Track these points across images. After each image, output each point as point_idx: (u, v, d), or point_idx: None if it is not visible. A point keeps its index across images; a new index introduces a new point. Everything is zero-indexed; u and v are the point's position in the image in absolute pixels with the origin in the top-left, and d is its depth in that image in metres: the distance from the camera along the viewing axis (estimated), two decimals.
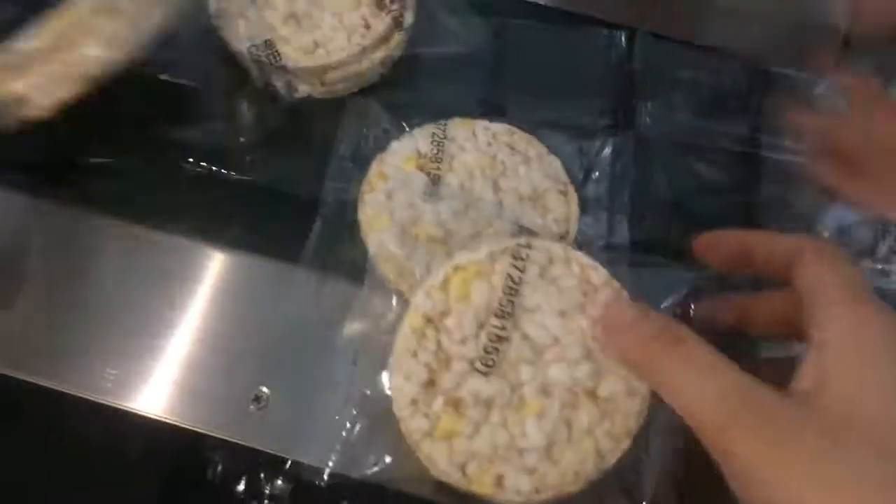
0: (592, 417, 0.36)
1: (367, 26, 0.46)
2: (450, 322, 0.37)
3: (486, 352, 0.36)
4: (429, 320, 0.37)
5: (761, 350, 0.38)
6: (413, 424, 0.36)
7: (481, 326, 0.36)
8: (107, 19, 0.39)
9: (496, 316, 0.36)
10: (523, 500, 0.35)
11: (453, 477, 0.36)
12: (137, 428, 0.39)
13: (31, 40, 0.38)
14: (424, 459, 0.36)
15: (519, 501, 0.35)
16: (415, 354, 0.36)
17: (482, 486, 0.35)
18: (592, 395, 0.36)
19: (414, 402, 0.36)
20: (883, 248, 0.47)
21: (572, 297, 0.37)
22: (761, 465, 0.27)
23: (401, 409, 0.36)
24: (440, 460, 0.35)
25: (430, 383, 0.36)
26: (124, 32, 0.39)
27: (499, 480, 0.35)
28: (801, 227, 0.47)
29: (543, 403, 0.36)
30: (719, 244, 0.36)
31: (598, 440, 0.36)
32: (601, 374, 0.36)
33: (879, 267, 0.47)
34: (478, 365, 0.36)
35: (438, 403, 0.36)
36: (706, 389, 0.29)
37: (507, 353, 0.36)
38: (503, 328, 0.36)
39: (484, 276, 0.37)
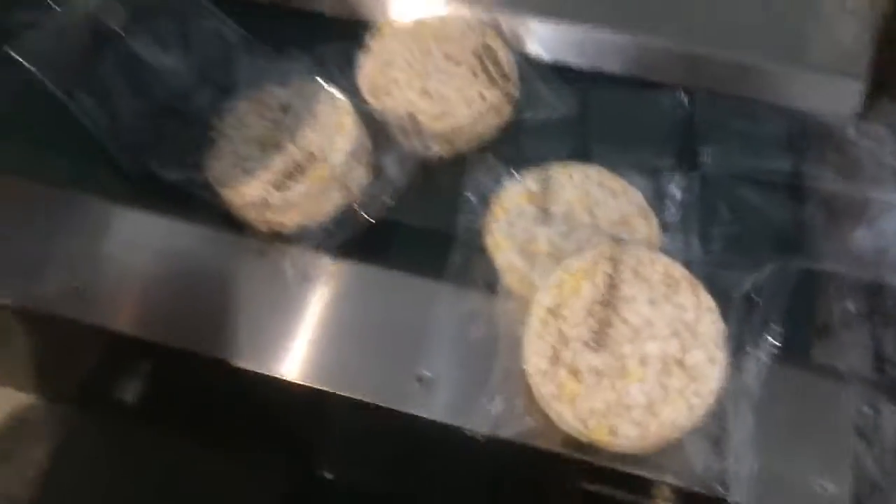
0: (682, 381, 0.47)
1: (484, 98, 0.60)
2: (566, 312, 0.49)
3: (595, 333, 0.48)
4: (550, 311, 0.49)
5: None
6: (544, 390, 0.47)
7: (590, 314, 0.48)
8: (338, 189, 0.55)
9: (601, 305, 0.48)
10: (632, 444, 0.46)
11: (578, 429, 0.47)
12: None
13: (295, 189, 0.54)
14: (555, 417, 0.48)
15: (629, 445, 0.47)
16: (542, 337, 0.48)
17: (601, 435, 0.46)
18: (681, 363, 0.47)
19: (544, 373, 0.48)
20: None
21: (658, 288, 0.49)
22: None
23: (534, 379, 0.48)
24: (567, 416, 0.47)
25: (555, 358, 0.48)
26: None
27: (612, 430, 0.46)
28: (840, 245, 0.58)
29: (643, 372, 0.47)
30: None
31: (688, 398, 0.47)
32: (687, 348, 0.47)
33: None
34: (590, 343, 0.48)
35: (563, 373, 0.47)
36: None
37: (611, 334, 0.48)
38: (607, 315, 0.48)
39: (589, 275, 0.49)
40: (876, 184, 0.60)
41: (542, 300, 0.49)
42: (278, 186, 0.54)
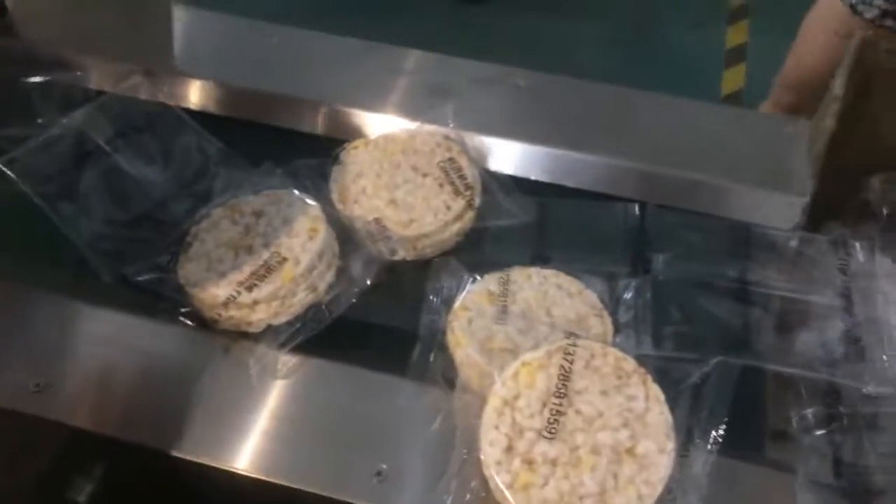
0: (633, 470, 0.48)
1: (448, 207, 0.64)
2: (521, 403, 0.50)
3: (549, 423, 0.49)
4: (505, 402, 0.50)
5: None
6: (499, 479, 0.48)
7: (544, 405, 0.50)
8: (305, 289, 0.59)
9: (555, 396, 0.50)
10: None
11: None
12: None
13: (264, 289, 0.57)
14: None
15: None
16: (497, 427, 0.50)
17: None
18: (632, 452, 0.48)
19: (499, 462, 0.49)
20: (853, 357, 0.59)
21: (610, 380, 0.50)
22: None
23: (489, 468, 0.49)
24: None
25: (510, 448, 0.49)
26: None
27: None
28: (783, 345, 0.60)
29: (595, 460, 0.48)
30: None
31: (638, 487, 0.47)
32: (637, 437, 0.49)
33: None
34: (544, 433, 0.49)
35: (517, 462, 0.48)
36: None
37: (565, 424, 0.49)
38: (560, 405, 0.50)
39: (543, 368, 0.51)
40: (818, 290, 0.63)
41: (498, 391, 0.51)
42: (248, 287, 0.57)
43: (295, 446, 0.53)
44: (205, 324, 0.59)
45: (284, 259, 0.58)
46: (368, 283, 0.61)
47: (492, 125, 0.71)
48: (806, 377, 0.61)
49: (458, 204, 0.64)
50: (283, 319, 0.59)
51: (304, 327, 0.58)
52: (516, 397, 0.50)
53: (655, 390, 0.50)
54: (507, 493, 0.48)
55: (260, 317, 0.58)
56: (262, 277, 0.57)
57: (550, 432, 0.49)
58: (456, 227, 0.64)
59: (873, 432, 0.60)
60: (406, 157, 0.67)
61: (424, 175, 0.66)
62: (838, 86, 0.69)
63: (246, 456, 0.53)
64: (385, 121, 0.73)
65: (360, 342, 0.59)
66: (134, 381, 0.56)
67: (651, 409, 0.50)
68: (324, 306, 0.59)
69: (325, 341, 0.58)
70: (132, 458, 0.56)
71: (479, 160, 0.69)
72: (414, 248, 0.64)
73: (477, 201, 0.65)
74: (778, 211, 0.68)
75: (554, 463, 0.48)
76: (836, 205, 0.69)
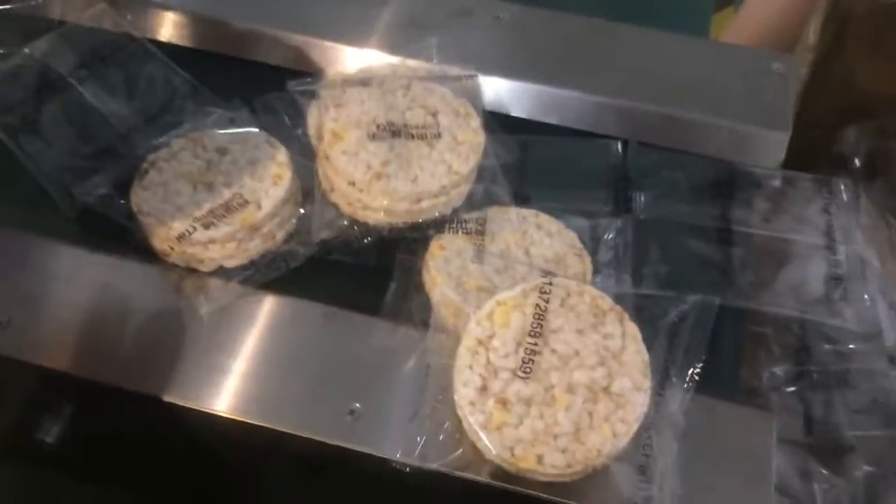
0: (608, 408, 0.47)
1: None
2: (495, 342, 0.49)
3: (524, 362, 0.48)
4: (479, 342, 0.49)
5: None
6: (472, 420, 0.47)
7: (519, 344, 0.49)
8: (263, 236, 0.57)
9: (529, 335, 0.49)
10: (559, 472, 0.46)
11: (506, 458, 0.47)
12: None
13: (221, 228, 0.55)
14: (483, 447, 0.48)
15: (556, 474, 0.46)
16: (471, 367, 0.49)
17: (528, 463, 0.46)
18: (607, 391, 0.48)
19: (472, 402, 0.48)
20: (836, 297, 0.59)
21: (586, 319, 0.49)
22: None
23: (462, 409, 0.48)
24: (494, 446, 0.47)
25: (484, 388, 0.48)
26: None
27: (539, 459, 0.46)
28: (764, 284, 0.60)
29: (570, 399, 0.47)
30: None
31: (613, 425, 0.47)
32: (613, 376, 0.48)
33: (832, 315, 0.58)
34: (518, 373, 0.48)
35: (491, 402, 0.48)
36: None
37: (539, 363, 0.48)
38: (535, 344, 0.49)
39: (518, 307, 0.50)
40: (801, 229, 0.62)
41: (472, 331, 0.50)
42: (205, 224, 0.55)
43: (265, 385, 0.52)
44: (158, 257, 0.57)
45: (246, 202, 0.56)
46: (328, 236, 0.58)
47: (472, 60, 0.68)
48: (785, 317, 0.60)
49: None
50: (236, 263, 0.57)
51: (257, 273, 0.56)
52: (490, 337, 0.49)
53: (632, 329, 0.49)
54: (480, 433, 0.47)
55: (212, 256, 0.56)
56: (221, 217, 0.55)
57: (525, 372, 0.48)
58: None
59: (844, 389, 0.60)
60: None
61: None
62: (812, 33, 0.67)
63: (212, 395, 0.52)
64: (364, 55, 0.70)
65: (332, 281, 0.58)
66: (88, 317, 0.54)
67: (627, 347, 0.49)
68: (282, 255, 0.57)
69: (295, 279, 0.57)
70: (95, 398, 0.55)
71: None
72: None
73: None
74: (763, 149, 0.66)
75: (528, 402, 0.47)
76: (808, 157, 0.68)
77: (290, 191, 0.58)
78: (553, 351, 0.49)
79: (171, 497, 0.64)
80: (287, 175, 0.58)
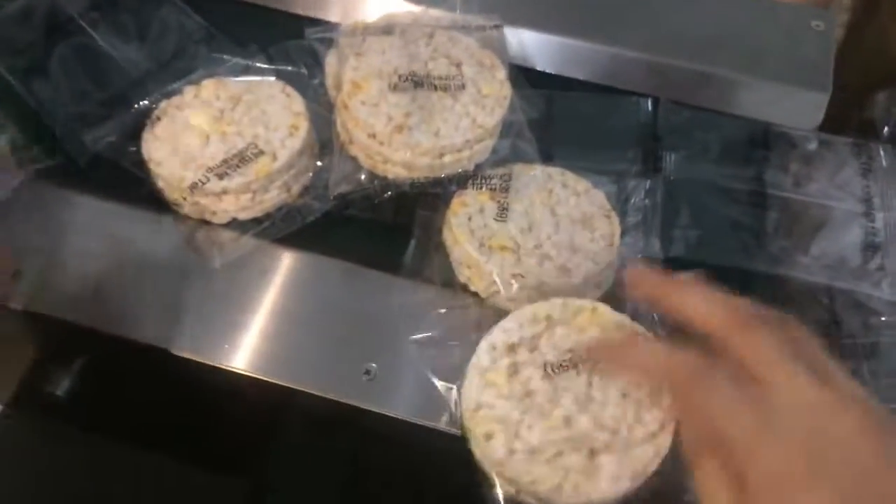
0: None
1: None
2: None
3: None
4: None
5: None
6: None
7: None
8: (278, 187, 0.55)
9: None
10: None
11: None
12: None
13: (235, 179, 0.52)
14: None
15: None
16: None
17: None
18: None
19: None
20: (872, 267, 0.57)
21: None
22: None
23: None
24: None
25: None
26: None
27: None
28: (797, 251, 0.57)
29: None
30: (642, 283, 0.43)
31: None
32: None
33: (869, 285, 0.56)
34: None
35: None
36: None
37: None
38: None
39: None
40: (837, 194, 0.59)
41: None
42: (218, 174, 0.53)
43: (279, 342, 0.51)
44: (169, 207, 0.55)
45: (261, 152, 0.54)
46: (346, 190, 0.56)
47: (496, 10, 0.65)
48: (814, 285, 0.58)
49: None
50: (249, 215, 0.55)
51: (272, 227, 0.55)
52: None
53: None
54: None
55: (226, 208, 0.54)
56: (235, 167, 0.53)
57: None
58: None
59: (873, 360, 0.58)
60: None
61: None
62: None
63: (224, 350, 0.50)
64: (385, 2, 0.67)
65: (347, 237, 0.56)
66: (99, 269, 0.53)
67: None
68: (297, 209, 0.55)
69: (310, 234, 0.55)
70: (105, 350, 0.53)
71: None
72: None
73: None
74: (800, 110, 0.63)
75: None
76: (837, 123, 0.65)
77: (307, 142, 0.56)
78: None
79: (178, 452, 0.63)
80: (304, 125, 0.56)
